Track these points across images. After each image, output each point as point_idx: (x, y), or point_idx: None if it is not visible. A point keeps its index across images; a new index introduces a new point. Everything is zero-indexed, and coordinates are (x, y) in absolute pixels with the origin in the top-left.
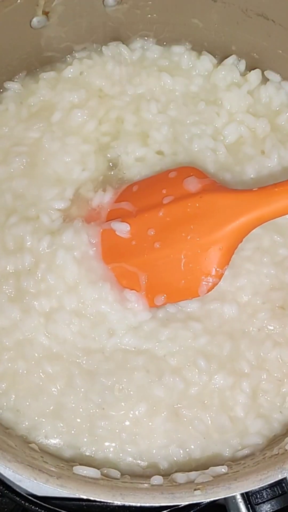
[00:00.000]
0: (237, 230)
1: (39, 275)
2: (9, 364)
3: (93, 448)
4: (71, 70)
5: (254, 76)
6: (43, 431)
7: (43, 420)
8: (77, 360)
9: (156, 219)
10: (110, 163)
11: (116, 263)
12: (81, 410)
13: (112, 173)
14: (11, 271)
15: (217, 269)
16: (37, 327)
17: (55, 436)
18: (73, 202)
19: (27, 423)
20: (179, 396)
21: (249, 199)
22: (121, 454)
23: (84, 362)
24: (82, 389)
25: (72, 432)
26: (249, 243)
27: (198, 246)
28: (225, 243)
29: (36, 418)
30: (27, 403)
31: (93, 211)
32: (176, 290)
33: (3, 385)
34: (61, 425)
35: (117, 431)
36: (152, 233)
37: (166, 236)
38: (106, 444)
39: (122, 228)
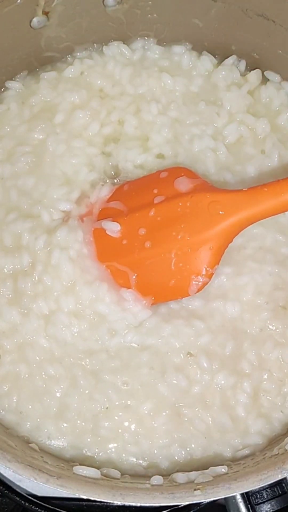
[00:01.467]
0: (228, 229)
1: (36, 276)
2: (11, 367)
3: (96, 449)
4: (72, 70)
5: (254, 76)
6: (46, 431)
7: (46, 421)
8: (79, 362)
9: (147, 219)
10: (112, 172)
11: (108, 262)
12: (85, 410)
13: (114, 175)
14: (7, 271)
15: (207, 269)
16: (37, 330)
17: (59, 437)
18: (76, 203)
19: (29, 424)
20: (181, 395)
21: (239, 199)
22: (123, 455)
23: (87, 363)
24: (86, 390)
25: (76, 432)
26: (252, 242)
27: (189, 246)
28: (215, 242)
29: (38, 419)
30: (30, 406)
31: (89, 206)
32: (166, 289)
33: (5, 387)
34: (65, 425)
35: (120, 431)
36: (143, 232)
37: (157, 235)
38: (109, 445)
39: (112, 228)
